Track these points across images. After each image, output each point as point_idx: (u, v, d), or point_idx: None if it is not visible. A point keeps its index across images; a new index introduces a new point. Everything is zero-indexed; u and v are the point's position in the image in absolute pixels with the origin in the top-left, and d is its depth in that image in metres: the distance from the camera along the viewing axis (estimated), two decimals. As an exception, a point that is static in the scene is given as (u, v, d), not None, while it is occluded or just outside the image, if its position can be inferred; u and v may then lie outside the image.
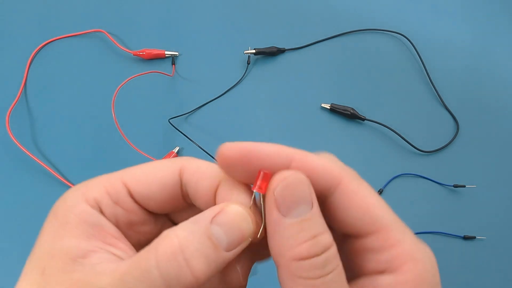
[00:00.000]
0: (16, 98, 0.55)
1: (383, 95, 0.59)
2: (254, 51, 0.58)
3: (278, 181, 0.19)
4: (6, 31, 0.59)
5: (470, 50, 0.61)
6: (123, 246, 0.21)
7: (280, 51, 0.59)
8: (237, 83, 0.58)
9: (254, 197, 0.21)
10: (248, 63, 0.59)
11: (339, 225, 0.21)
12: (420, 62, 0.60)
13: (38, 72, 0.57)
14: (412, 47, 0.61)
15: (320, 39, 0.61)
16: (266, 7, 0.62)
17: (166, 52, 0.58)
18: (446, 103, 0.58)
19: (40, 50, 0.58)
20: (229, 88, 0.57)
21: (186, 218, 0.21)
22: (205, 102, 0.56)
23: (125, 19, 0.61)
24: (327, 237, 0.19)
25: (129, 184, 0.21)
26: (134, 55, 0.58)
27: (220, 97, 0.57)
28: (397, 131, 0.56)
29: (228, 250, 0.19)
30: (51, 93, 0.56)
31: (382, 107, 0.58)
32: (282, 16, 0.62)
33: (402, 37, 0.61)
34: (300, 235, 0.18)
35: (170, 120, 0.54)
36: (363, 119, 0.56)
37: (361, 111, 0.57)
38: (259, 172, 0.20)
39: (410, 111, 0.58)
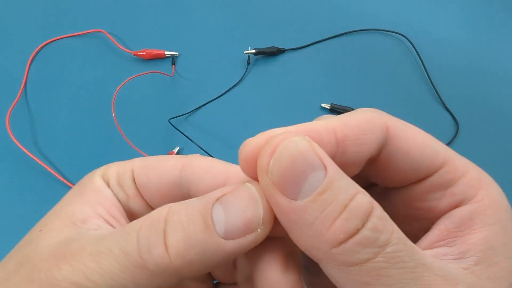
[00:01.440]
0: (16, 98, 0.55)
1: (383, 95, 0.59)
2: (254, 51, 0.58)
3: (267, 157, 0.15)
4: (6, 31, 0.59)
5: (470, 50, 0.61)
6: (124, 222, 0.20)
7: (280, 51, 0.59)
8: (237, 83, 0.58)
9: None
10: (248, 63, 0.59)
11: (399, 176, 0.18)
12: (420, 62, 0.60)
13: (38, 72, 0.57)
14: (412, 47, 0.61)
15: (320, 39, 0.61)
16: (266, 7, 0.62)
17: (166, 52, 0.58)
18: (446, 103, 0.58)
19: (40, 50, 0.58)
20: (229, 88, 0.57)
21: None
22: (205, 102, 0.56)
23: (125, 19, 0.61)
24: (362, 198, 0.14)
25: (134, 170, 0.21)
26: (134, 55, 0.58)
27: (220, 97, 0.57)
28: (397, 131, 0.55)
29: (226, 237, 0.15)
30: (51, 93, 0.56)
31: (382, 107, 0.57)
32: (282, 16, 0.62)
33: (402, 37, 0.61)
34: (325, 214, 0.14)
35: (170, 120, 0.54)
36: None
37: (361, 111, 0.57)
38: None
39: (410, 111, 0.58)
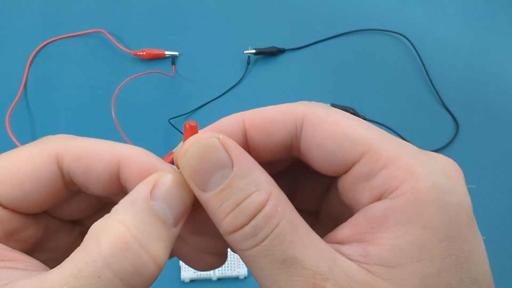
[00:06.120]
0: (16, 98, 0.55)
1: (383, 95, 0.59)
2: (254, 51, 0.58)
3: (182, 156, 0.17)
4: (6, 31, 0.59)
5: (470, 50, 0.61)
6: (17, 256, 0.17)
7: (280, 51, 0.59)
8: (237, 83, 0.58)
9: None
10: (248, 63, 0.59)
11: (320, 166, 0.18)
12: (420, 62, 0.60)
13: (38, 72, 0.57)
14: (412, 47, 0.61)
15: (320, 39, 0.61)
16: (266, 7, 0.62)
17: (166, 52, 0.58)
18: (446, 103, 0.58)
19: (40, 50, 0.58)
20: (229, 88, 0.57)
21: (71, 210, 0.20)
22: (205, 102, 0.56)
23: (125, 19, 0.61)
24: (256, 197, 0.16)
25: (61, 156, 0.18)
26: (134, 55, 0.58)
27: (220, 97, 0.57)
28: (397, 131, 0.56)
29: (175, 225, 0.17)
30: (51, 93, 0.56)
31: (382, 107, 0.58)
32: (282, 16, 0.62)
33: (402, 37, 0.61)
34: (222, 208, 0.16)
35: (170, 120, 0.54)
36: (363, 119, 0.56)
37: (361, 111, 0.57)
38: (185, 126, 0.17)
39: (410, 111, 0.58)
